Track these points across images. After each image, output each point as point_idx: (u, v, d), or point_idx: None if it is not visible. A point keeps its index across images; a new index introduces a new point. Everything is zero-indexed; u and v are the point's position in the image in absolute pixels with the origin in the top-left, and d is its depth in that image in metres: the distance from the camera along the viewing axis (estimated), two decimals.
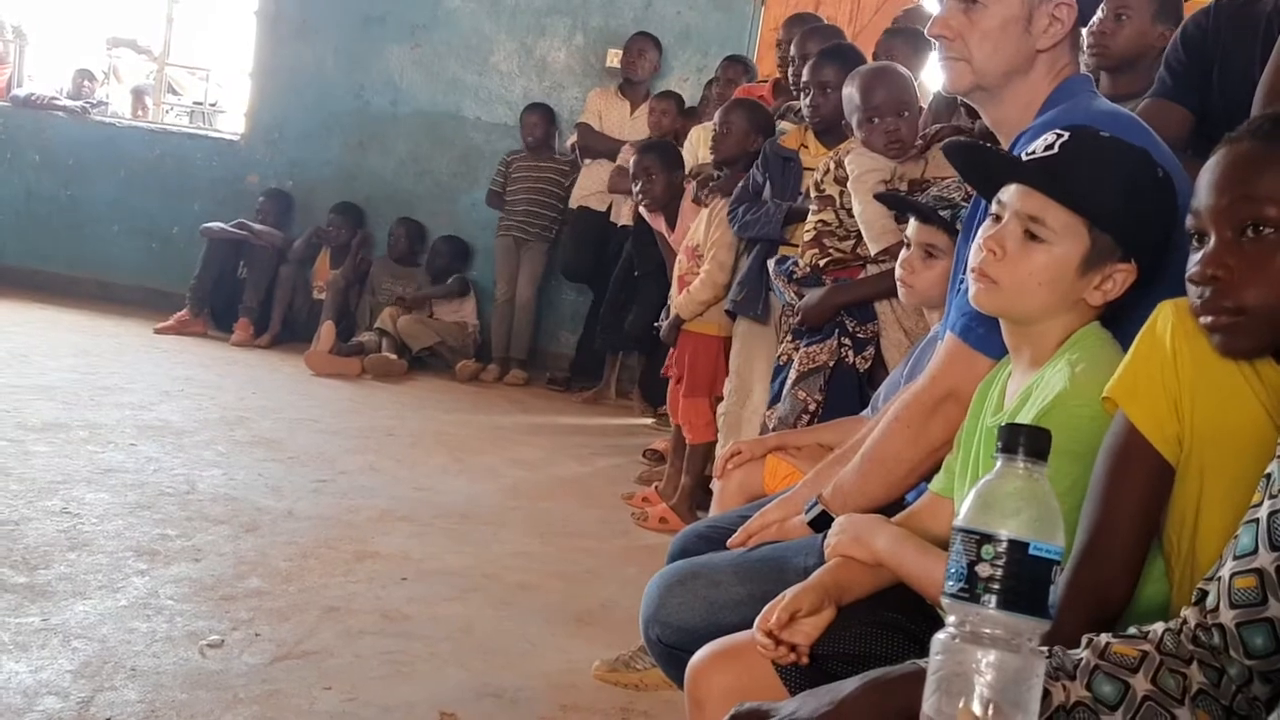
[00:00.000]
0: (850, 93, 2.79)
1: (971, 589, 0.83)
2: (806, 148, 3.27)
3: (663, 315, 3.82)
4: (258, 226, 5.85)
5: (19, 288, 6.06)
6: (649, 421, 5.00)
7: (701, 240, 3.58)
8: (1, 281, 6.09)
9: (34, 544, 2.74)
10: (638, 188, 4.04)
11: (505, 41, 6.07)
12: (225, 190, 6.20)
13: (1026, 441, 0.86)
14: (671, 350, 3.78)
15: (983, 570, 0.83)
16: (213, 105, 7.30)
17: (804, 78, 3.21)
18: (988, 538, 0.83)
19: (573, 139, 5.65)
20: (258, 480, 3.52)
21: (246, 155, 6.29)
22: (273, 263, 5.81)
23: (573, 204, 5.63)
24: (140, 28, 7.08)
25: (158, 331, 5.63)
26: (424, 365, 5.63)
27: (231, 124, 6.81)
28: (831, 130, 3.13)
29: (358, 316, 5.74)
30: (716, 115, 3.77)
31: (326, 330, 5.51)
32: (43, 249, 6.32)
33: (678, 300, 3.65)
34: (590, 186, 5.52)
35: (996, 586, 0.82)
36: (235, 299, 5.77)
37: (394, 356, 5.41)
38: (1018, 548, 0.82)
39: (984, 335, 1.48)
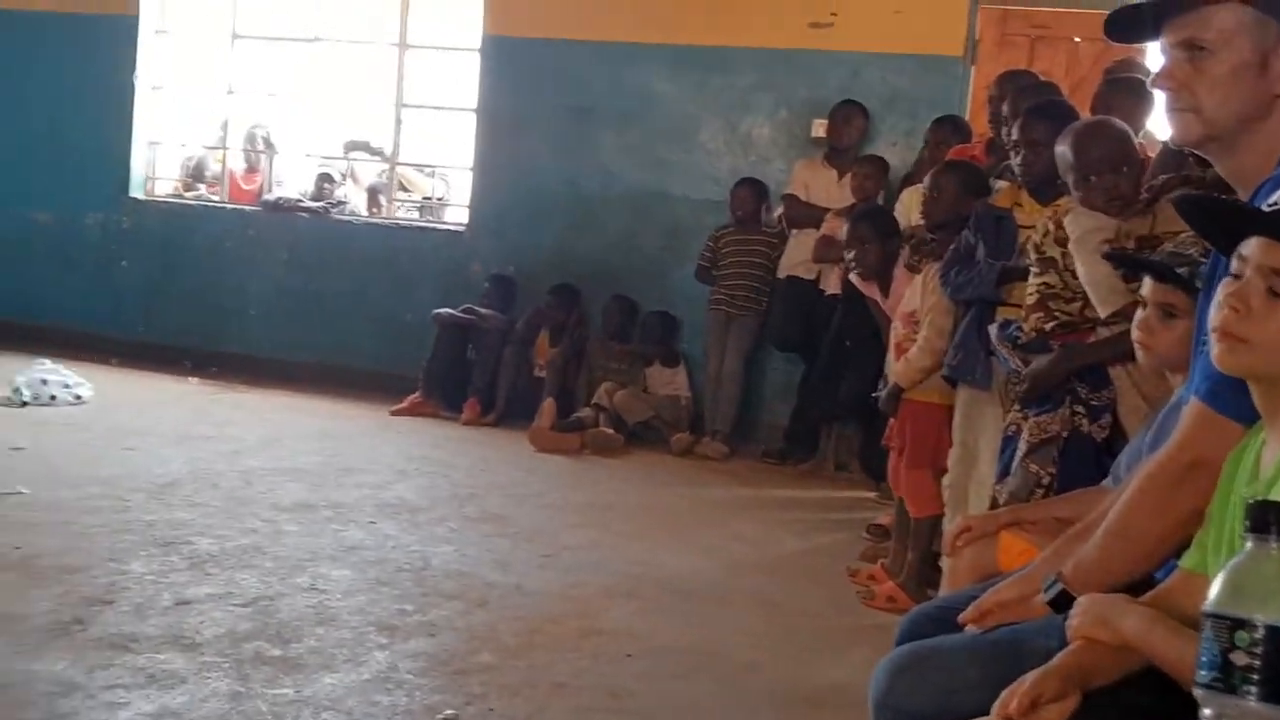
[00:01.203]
0: (1063, 151, 2.70)
1: (1227, 679, 0.77)
2: (1020, 206, 3.18)
3: (880, 384, 3.75)
4: (483, 311, 6.14)
5: (270, 376, 6.57)
6: (871, 495, 4.87)
7: (918, 306, 3.50)
8: (255, 371, 6.62)
9: (287, 619, 2.93)
10: (850, 255, 4.01)
11: (710, 120, 6.19)
12: (452, 278, 6.55)
13: (1278, 520, 0.80)
14: (891, 420, 3.69)
15: (1239, 659, 0.76)
16: (439, 199, 7.77)
17: (1014, 136, 3.13)
18: (1242, 623, 0.77)
19: (780, 210, 5.68)
20: (487, 556, 3.65)
21: (471, 244, 6.64)
22: (497, 344, 6.07)
23: (781, 274, 5.64)
24: (373, 131, 7.65)
25: (393, 413, 5.97)
26: (639, 439, 5.72)
27: (456, 216, 7.22)
28: (1045, 188, 3.02)
29: (577, 393, 5.90)
30: (926, 179, 3.71)
31: (547, 407, 5.69)
32: (291, 339, 6.84)
33: (896, 368, 3.57)
34: (798, 256, 5.52)
35: (1256, 677, 0.76)
36: (464, 380, 6.05)
37: (612, 432, 5.52)
38: (1278, 635, 0.76)
39: (1232, 399, 1.38)
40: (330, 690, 2.51)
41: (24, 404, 5.25)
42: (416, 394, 6.06)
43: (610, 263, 6.28)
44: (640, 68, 6.27)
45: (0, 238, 7.28)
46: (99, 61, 7.10)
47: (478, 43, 6.59)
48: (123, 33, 7.07)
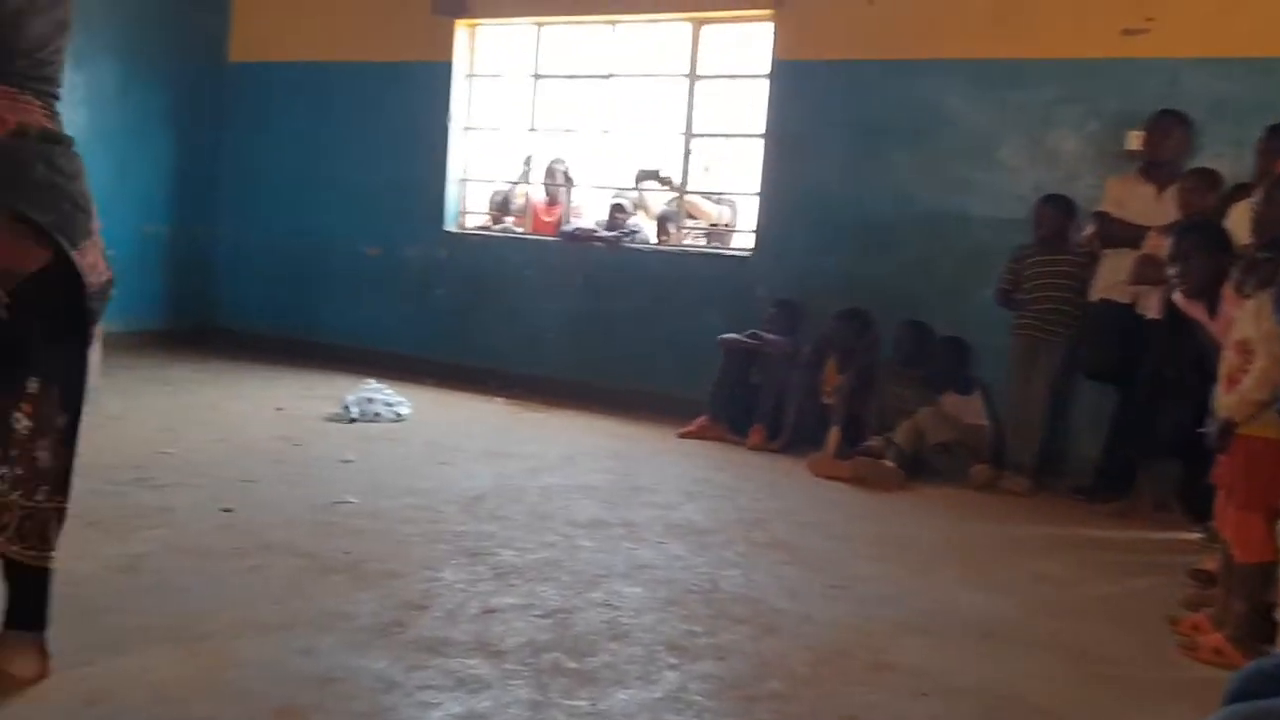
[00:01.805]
0: None
1: None
2: None
3: (1208, 418, 3.41)
4: (768, 335, 6.14)
5: (567, 397, 6.86)
6: (1194, 536, 4.45)
7: (1251, 334, 3.17)
8: (553, 392, 6.94)
9: (582, 632, 3.02)
10: (1174, 272, 3.69)
11: (1011, 136, 5.91)
12: (738, 303, 6.60)
13: None
14: (1219, 456, 3.35)
15: None
16: (727, 226, 7.87)
17: None
18: None
19: (1090, 229, 5.32)
20: (775, 582, 3.61)
21: (756, 269, 6.67)
22: (782, 369, 6.04)
23: (1093, 297, 5.28)
24: (663, 160, 7.86)
25: (681, 435, 6.07)
26: (928, 470, 5.49)
27: (743, 241, 7.29)
28: None
29: (866, 420, 5.76)
30: (1257, 193, 3.36)
31: (833, 436, 5.61)
32: (586, 362, 7.13)
33: (1227, 401, 3.24)
34: (1112, 277, 5.14)
35: None
36: (749, 404, 6.07)
37: (890, 464, 5.30)
38: None
39: None
40: (624, 706, 2.56)
41: (352, 420, 5.75)
42: (703, 417, 6.14)
43: (901, 286, 6.11)
44: (932, 84, 6.08)
45: (336, 270, 8.06)
46: (419, 106, 7.73)
47: (767, 68, 6.63)
48: (439, 78, 7.65)
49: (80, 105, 7.41)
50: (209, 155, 8.43)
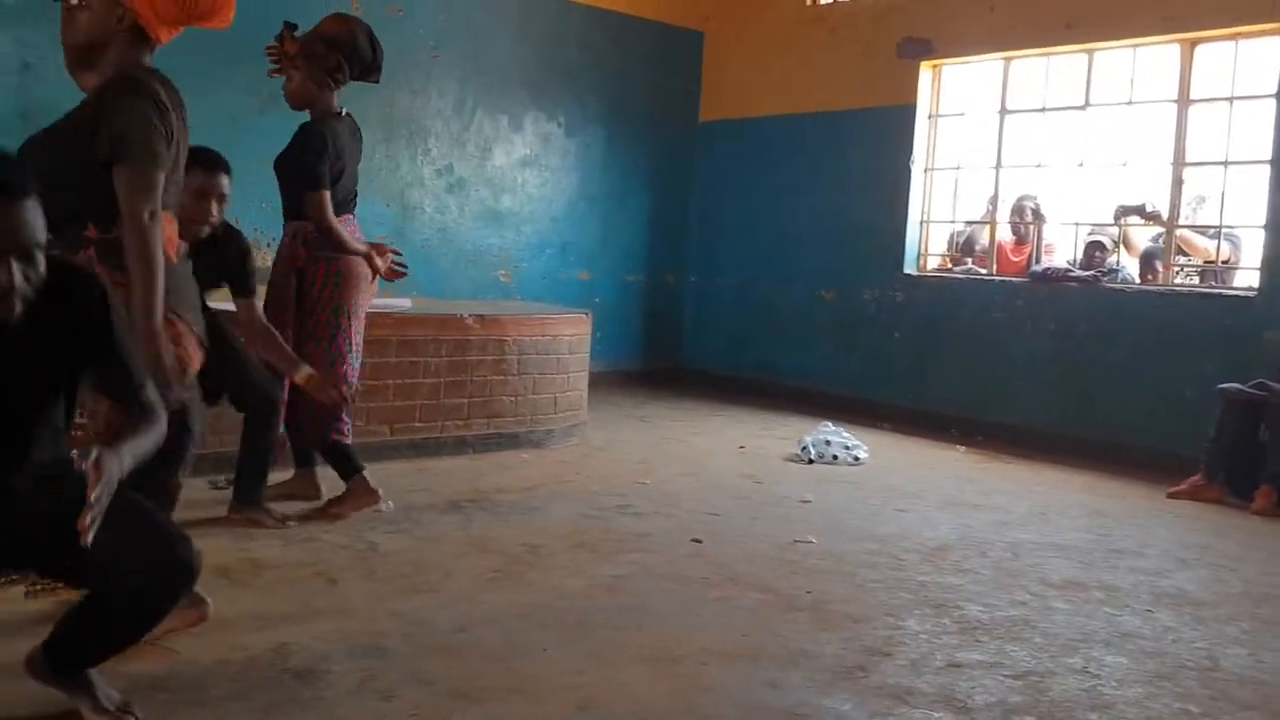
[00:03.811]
0: None
1: None
2: None
3: None
4: (1277, 385, 5.39)
5: (1036, 448, 6.49)
6: None
7: None
8: (1021, 442, 6.59)
9: (1058, 698, 2.80)
10: None
11: None
12: (1239, 348, 5.88)
13: None
14: None
15: None
16: (1225, 262, 7.06)
17: None
18: None
19: None
20: None
21: (1262, 310, 5.91)
22: None
23: None
24: (1148, 194, 7.22)
25: (1170, 495, 5.49)
26: None
27: (1245, 279, 6.48)
28: None
29: None
30: None
31: None
32: (1058, 411, 6.69)
33: None
34: None
35: None
36: (1254, 463, 5.36)
37: None
38: None
39: None
40: None
41: (810, 461, 5.82)
42: (1197, 476, 5.50)
43: None
44: None
45: (794, 312, 8.27)
46: (880, 150, 7.76)
47: (1273, 87, 5.88)
48: (902, 121, 7.63)
49: (573, 169, 8.29)
50: (680, 209, 9.03)
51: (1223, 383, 5.57)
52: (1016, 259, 7.43)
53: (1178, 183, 6.51)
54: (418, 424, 5.36)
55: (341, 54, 4.00)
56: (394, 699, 2.55)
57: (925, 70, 7.60)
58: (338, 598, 3.28)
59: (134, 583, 2.13)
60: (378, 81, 4.22)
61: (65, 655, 2.27)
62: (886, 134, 7.73)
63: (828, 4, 8.30)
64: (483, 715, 2.50)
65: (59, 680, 2.29)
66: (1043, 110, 7.24)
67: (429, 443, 5.39)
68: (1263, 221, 6.06)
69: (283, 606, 3.16)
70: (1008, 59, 7.26)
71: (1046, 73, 7.16)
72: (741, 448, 6.22)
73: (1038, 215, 7.42)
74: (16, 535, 2.10)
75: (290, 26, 3.97)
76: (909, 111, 7.62)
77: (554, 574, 3.63)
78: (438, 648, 2.91)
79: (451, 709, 2.52)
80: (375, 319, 5.13)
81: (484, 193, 7.80)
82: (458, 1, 7.50)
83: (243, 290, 3.85)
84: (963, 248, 7.83)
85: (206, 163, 3.49)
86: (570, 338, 6.03)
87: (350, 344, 4.14)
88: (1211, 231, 6.65)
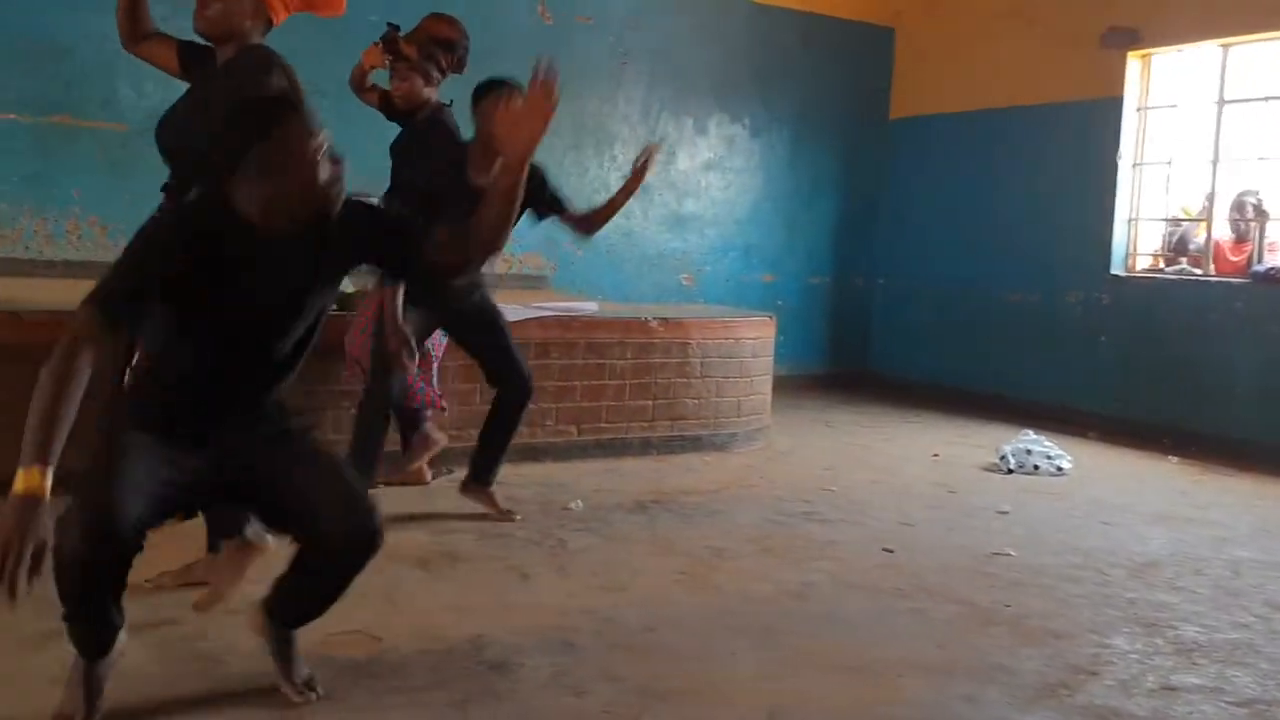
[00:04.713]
0: None
1: None
2: None
3: None
4: None
5: (1260, 461, 6.03)
6: None
7: None
8: (1242, 455, 6.14)
9: None
10: None
11: None
12: None
13: None
14: None
15: None
16: None
17: None
18: None
19: None
20: None
21: None
22: None
23: None
24: None
25: None
26: None
27: None
28: None
29: None
30: None
31: None
32: (1278, 422, 6.20)
33: None
34: None
35: None
36: None
37: None
38: None
39: None
40: None
41: (1009, 471, 5.58)
42: None
43: None
44: None
45: (990, 317, 7.97)
46: (1083, 145, 7.38)
47: None
48: (1107, 114, 7.24)
49: (757, 171, 8.24)
50: (868, 209, 8.84)
51: None
52: (1236, 258, 6.92)
53: None
54: (604, 424, 5.43)
55: (454, 55, 4.16)
56: (585, 695, 2.58)
57: (1133, 60, 7.19)
58: (529, 592, 3.35)
59: (328, 538, 2.29)
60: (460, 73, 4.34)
61: (277, 613, 2.46)
62: (1090, 128, 7.34)
63: None
64: (672, 715, 2.50)
65: (273, 637, 2.48)
66: (1266, 100, 6.73)
67: (615, 443, 5.45)
68: None
69: (477, 599, 3.25)
70: (1225, 45, 6.78)
71: (1271, 59, 6.65)
72: (935, 455, 6.03)
73: (1260, 211, 6.89)
74: (237, 458, 2.31)
75: (395, 27, 4.09)
76: (1115, 104, 7.22)
77: (740, 578, 3.60)
78: (627, 646, 2.92)
79: (642, 708, 2.52)
80: (563, 322, 5.26)
81: (667, 196, 7.85)
82: (647, 8, 7.57)
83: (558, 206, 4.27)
84: (1176, 246, 7.35)
85: (497, 88, 3.82)
86: (754, 341, 5.99)
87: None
88: None
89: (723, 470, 5.34)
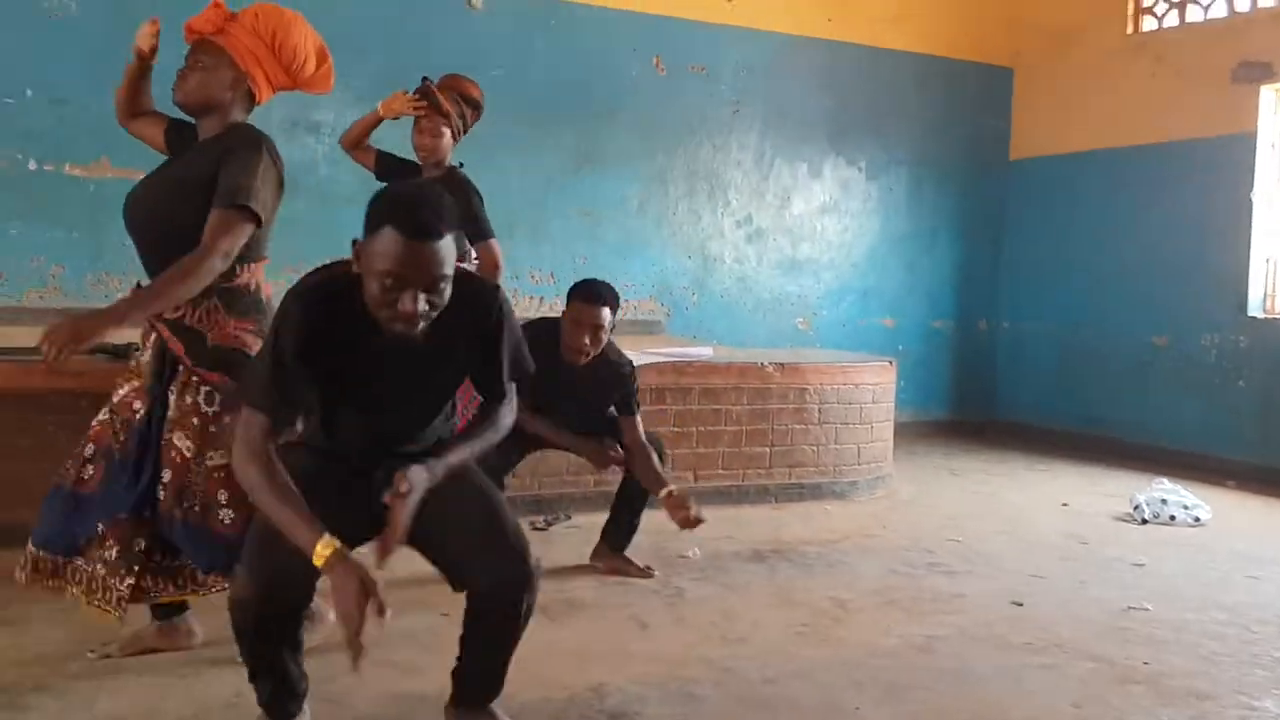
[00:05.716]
0: None
1: None
2: None
3: None
4: None
5: None
6: None
7: None
8: None
9: None
10: None
11: None
12: None
13: None
14: None
15: None
16: None
17: None
18: None
19: None
20: None
21: None
22: None
23: None
24: None
25: None
26: None
27: None
28: None
29: None
30: None
31: None
32: None
33: None
34: None
35: None
36: None
37: None
38: None
39: None
40: None
41: (1143, 521, 5.36)
42: None
43: None
44: None
45: (1120, 361, 7.71)
46: (1215, 183, 7.12)
47: None
48: (1239, 151, 6.98)
49: (874, 214, 8.17)
50: (990, 251, 8.66)
51: None
52: None
53: None
54: (721, 471, 5.40)
55: (478, 117, 4.28)
56: None
57: (1268, 93, 6.93)
58: (649, 641, 3.34)
59: (484, 576, 2.31)
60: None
61: (464, 698, 2.50)
62: (1222, 165, 7.09)
63: (1151, 31, 7.77)
64: None
65: None
66: None
67: (732, 490, 5.42)
68: None
69: (598, 647, 3.26)
70: None
71: None
72: (1064, 504, 5.83)
73: None
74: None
75: (429, 81, 4.16)
76: (1248, 140, 6.96)
77: (864, 631, 3.53)
78: (748, 698, 2.89)
79: None
80: (678, 368, 5.27)
81: (782, 241, 7.83)
82: (759, 55, 7.62)
83: (624, 409, 4.01)
84: None
85: (585, 295, 3.73)
86: (874, 386, 5.90)
87: None
88: None
89: (843, 519, 5.26)
